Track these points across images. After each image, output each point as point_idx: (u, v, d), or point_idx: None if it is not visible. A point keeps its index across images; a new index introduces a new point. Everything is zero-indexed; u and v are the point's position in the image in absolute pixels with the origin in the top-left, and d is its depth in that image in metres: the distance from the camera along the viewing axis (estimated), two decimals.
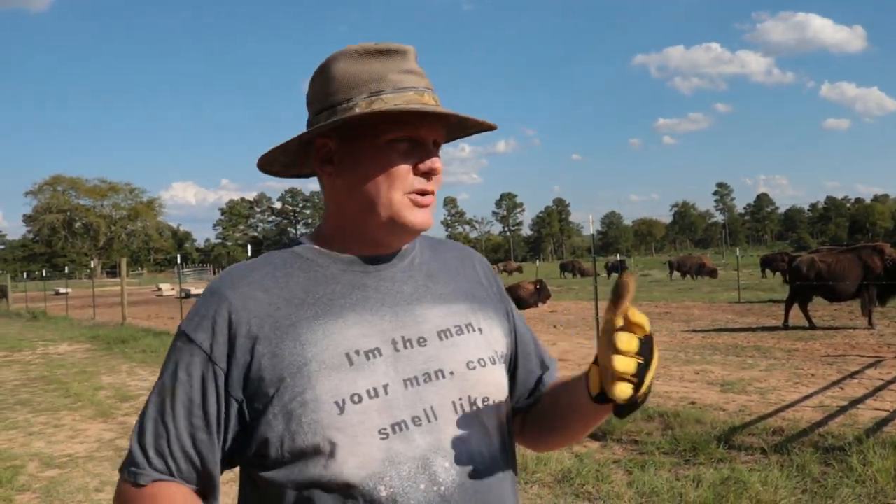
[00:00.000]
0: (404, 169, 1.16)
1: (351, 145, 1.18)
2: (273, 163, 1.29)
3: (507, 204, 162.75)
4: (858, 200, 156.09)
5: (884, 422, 6.15)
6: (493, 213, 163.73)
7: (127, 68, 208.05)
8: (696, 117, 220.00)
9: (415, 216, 1.18)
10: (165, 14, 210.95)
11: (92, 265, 57.33)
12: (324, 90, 1.19)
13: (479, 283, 1.36)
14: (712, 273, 36.99)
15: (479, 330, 1.26)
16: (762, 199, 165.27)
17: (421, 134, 1.17)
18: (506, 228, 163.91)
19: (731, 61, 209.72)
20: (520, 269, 55.09)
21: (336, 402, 1.07)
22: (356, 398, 1.08)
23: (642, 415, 6.65)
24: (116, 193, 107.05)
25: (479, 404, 1.19)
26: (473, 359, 1.22)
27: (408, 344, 1.16)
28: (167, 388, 1.13)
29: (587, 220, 9.11)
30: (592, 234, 9.49)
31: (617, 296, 1.01)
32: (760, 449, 5.55)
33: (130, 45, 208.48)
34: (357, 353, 1.11)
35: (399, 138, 1.16)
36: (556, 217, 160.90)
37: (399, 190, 1.16)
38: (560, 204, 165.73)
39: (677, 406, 7.04)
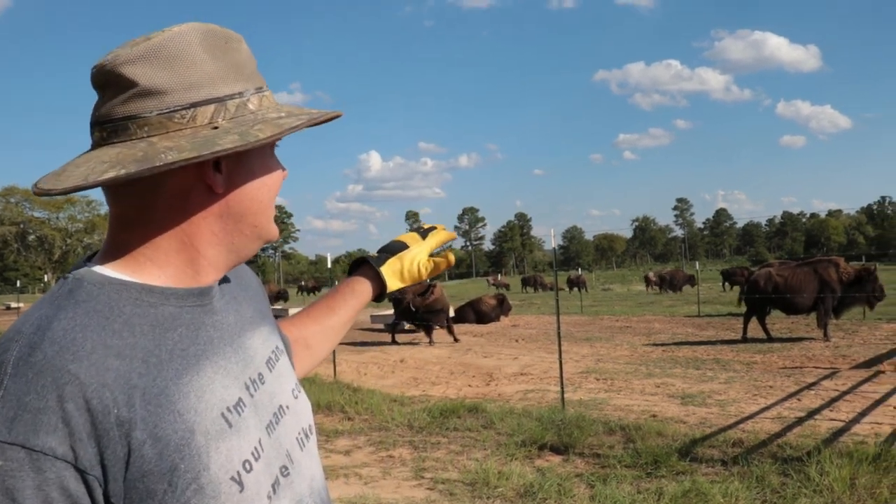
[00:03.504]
0: (281, 178, 1.03)
1: (246, 150, 0.93)
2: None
3: (470, 218, 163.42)
4: (814, 215, 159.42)
5: (840, 432, 6.24)
6: (456, 227, 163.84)
7: (84, 77, 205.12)
8: (657, 133, 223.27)
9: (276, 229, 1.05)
10: (120, 20, 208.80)
11: (46, 279, 56.06)
12: (194, 76, 0.91)
13: (263, 296, 1.21)
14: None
15: (283, 351, 1.13)
16: (721, 214, 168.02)
17: None
18: (468, 243, 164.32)
19: (690, 78, 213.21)
20: (507, 286, 54.86)
21: (233, 479, 0.87)
22: (248, 465, 0.89)
23: (604, 428, 6.67)
24: (73, 206, 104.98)
25: (310, 433, 1.09)
26: (293, 385, 1.10)
27: (255, 384, 0.99)
28: None
29: (549, 235, 9.12)
30: (554, 249, 9.50)
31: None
32: (721, 461, 5.58)
33: (85, 53, 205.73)
34: (229, 410, 0.91)
35: (275, 144, 1.02)
36: (517, 231, 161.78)
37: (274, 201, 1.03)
38: (522, 218, 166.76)
39: (639, 419, 7.07)
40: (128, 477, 0.80)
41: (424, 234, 1.50)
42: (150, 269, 0.92)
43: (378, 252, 1.45)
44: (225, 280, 1.06)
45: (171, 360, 0.87)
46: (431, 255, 1.48)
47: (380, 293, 1.41)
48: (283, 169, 1.04)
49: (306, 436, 1.07)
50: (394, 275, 1.41)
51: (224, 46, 0.95)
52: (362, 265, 1.43)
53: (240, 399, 0.93)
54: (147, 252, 0.92)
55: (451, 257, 1.48)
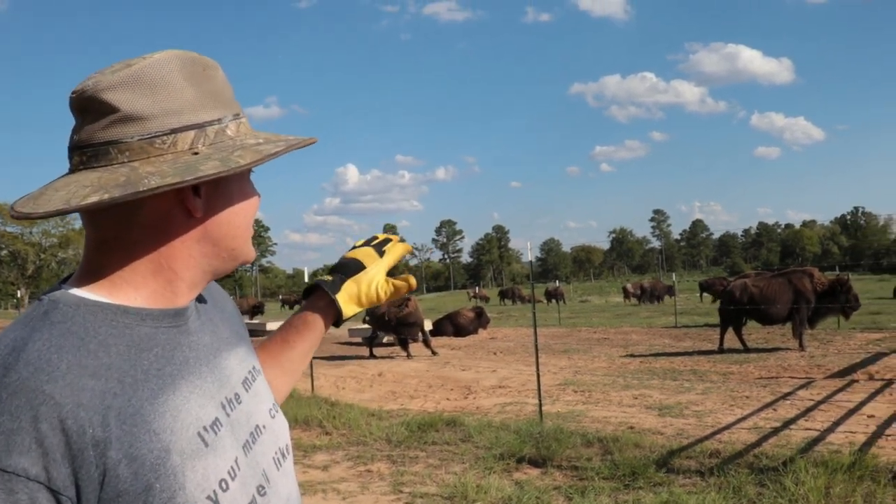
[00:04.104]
0: (257, 203, 1.06)
1: (224, 176, 0.95)
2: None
3: (447, 231, 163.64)
4: (788, 226, 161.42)
5: (815, 441, 6.30)
6: (434, 240, 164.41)
7: (56, 91, 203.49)
8: (633, 145, 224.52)
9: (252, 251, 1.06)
10: (98, 32, 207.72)
11: (19, 295, 55.32)
12: (174, 102, 0.93)
13: (236, 317, 1.22)
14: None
15: (259, 371, 1.14)
16: (697, 226, 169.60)
17: None
18: (446, 255, 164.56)
19: (665, 90, 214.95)
20: (487, 298, 55.20)
21: (209, 498, 0.88)
22: (224, 485, 0.91)
23: (582, 440, 6.67)
24: (46, 221, 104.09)
25: (286, 453, 1.11)
26: (270, 405, 1.11)
27: (231, 404, 1.00)
28: None
29: (526, 247, 9.15)
30: (531, 261, 9.54)
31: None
32: (698, 471, 5.61)
33: (57, 70, 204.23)
34: (206, 429, 0.92)
35: (251, 170, 1.03)
36: (495, 244, 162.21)
37: (251, 227, 1.05)
38: (499, 231, 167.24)
39: (616, 431, 7.09)
40: (102, 497, 0.80)
41: (380, 248, 1.41)
42: (127, 290, 0.93)
43: (331, 272, 1.36)
44: (202, 301, 1.07)
45: (146, 380, 0.88)
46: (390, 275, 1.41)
47: (337, 319, 1.35)
48: (258, 194, 1.06)
49: (283, 455, 1.08)
50: (350, 299, 1.34)
51: (202, 74, 0.97)
52: (317, 290, 1.35)
53: (216, 418, 0.94)
54: (124, 274, 0.93)
55: (413, 280, 1.40)
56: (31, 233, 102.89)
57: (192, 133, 0.92)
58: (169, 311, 0.96)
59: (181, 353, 0.95)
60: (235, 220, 0.99)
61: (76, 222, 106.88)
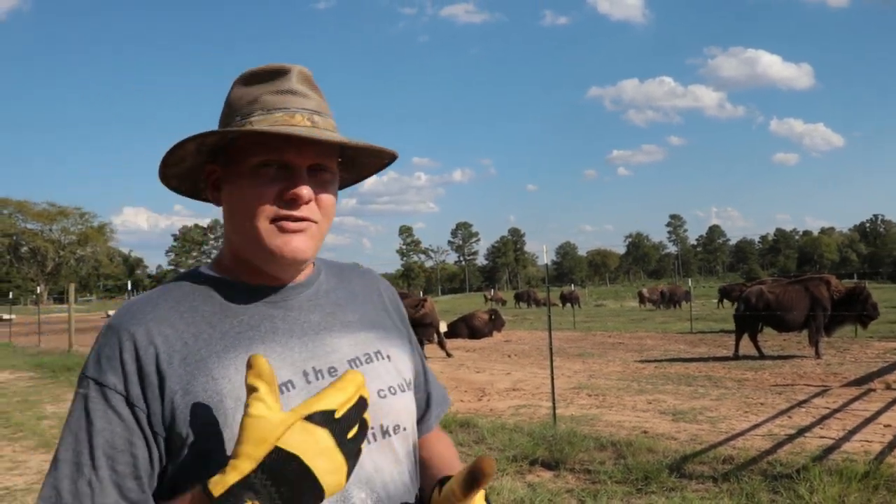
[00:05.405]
0: (267, 195, 1.13)
1: (227, 171, 1.18)
2: (169, 177, 1.24)
3: (463, 233, 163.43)
4: (806, 233, 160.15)
5: (830, 449, 6.25)
6: (449, 242, 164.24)
7: (78, 91, 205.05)
8: (650, 149, 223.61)
9: (283, 243, 1.14)
10: (118, 32, 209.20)
11: (38, 291, 55.71)
12: (223, 114, 1.21)
13: (385, 309, 1.37)
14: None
15: (388, 357, 1.26)
16: (714, 231, 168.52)
17: (287, 158, 1.13)
18: (461, 258, 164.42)
19: (684, 95, 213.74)
20: (503, 301, 55.23)
21: None
22: None
23: (595, 444, 6.67)
24: (66, 218, 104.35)
25: (391, 432, 1.20)
26: (384, 386, 1.22)
27: (319, 375, 1.14)
28: (81, 440, 1.03)
29: (542, 251, 9.16)
30: (546, 265, 9.55)
31: (473, 480, 1.07)
32: (711, 477, 5.59)
33: (79, 66, 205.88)
34: None
35: (265, 162, 1.13)
36: (511, 247, 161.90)
37: (264, 217, 1.13)
38: (515, 234, 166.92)
39: (630, 435, 7.07)
40: (164, 413, 1.05)
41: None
42: (227, 265, 1.22)
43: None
44: (332, 287, 1.30)
45: (221, 338, 1.12)
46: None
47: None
48: (288, 188, 1.14)
49: (384, 434, 1.19)
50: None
51: (245, 84, 1.21)
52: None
53: (289, 381, 1.11)
54: (224, 252, 1.25)
55: None
56: (50, 230, 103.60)
57: (217, 136, 1.17)
58: (265, 288, 1.20)
59: (269, 324, 1.17)
60: (240, 206, 1.16)
61: (95, 220, 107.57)
